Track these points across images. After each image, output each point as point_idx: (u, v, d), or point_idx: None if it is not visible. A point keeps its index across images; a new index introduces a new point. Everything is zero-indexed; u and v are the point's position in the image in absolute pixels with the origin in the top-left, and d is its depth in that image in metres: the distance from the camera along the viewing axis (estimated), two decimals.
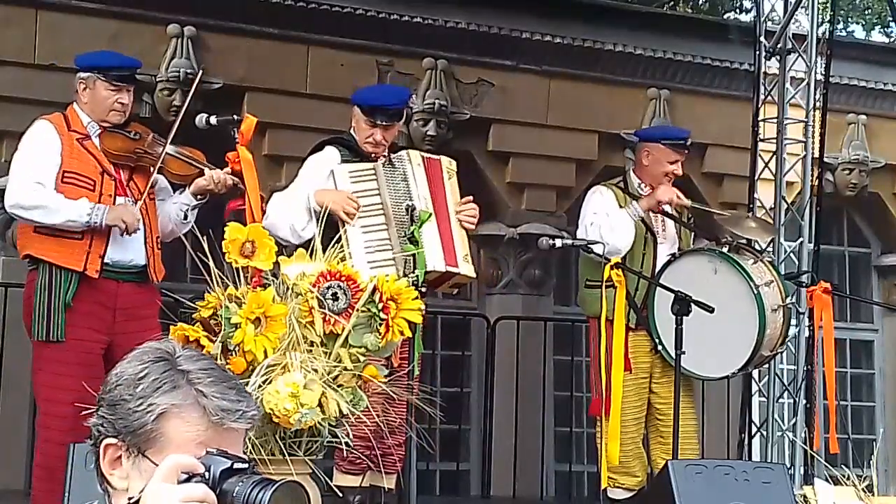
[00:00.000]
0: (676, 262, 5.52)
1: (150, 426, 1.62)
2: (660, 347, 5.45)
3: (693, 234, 5.78)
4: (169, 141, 4.64)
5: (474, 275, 4.99)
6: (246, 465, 1.62)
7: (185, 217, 4.75)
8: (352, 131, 5.03)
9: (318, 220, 4.47)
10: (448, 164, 4.97)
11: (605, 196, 5.61)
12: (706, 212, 6.02)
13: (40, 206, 4.44)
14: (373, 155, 4.95)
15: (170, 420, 1.62)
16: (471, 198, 4.99)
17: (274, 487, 1.56)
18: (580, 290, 5.70)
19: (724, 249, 5.54)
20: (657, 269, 5.53)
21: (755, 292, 5.33)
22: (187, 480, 1.57)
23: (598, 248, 5.30)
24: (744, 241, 5.68)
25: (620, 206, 5.53)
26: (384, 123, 4.91)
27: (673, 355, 5.26)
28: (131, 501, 1.59)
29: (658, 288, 5.37)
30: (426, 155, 4.97)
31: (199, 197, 4.72)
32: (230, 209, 4.53)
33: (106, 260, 4.51)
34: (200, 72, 5.04)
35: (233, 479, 1.59)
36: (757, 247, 6.09)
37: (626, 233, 5.45)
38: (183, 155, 4.69)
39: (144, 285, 4.63)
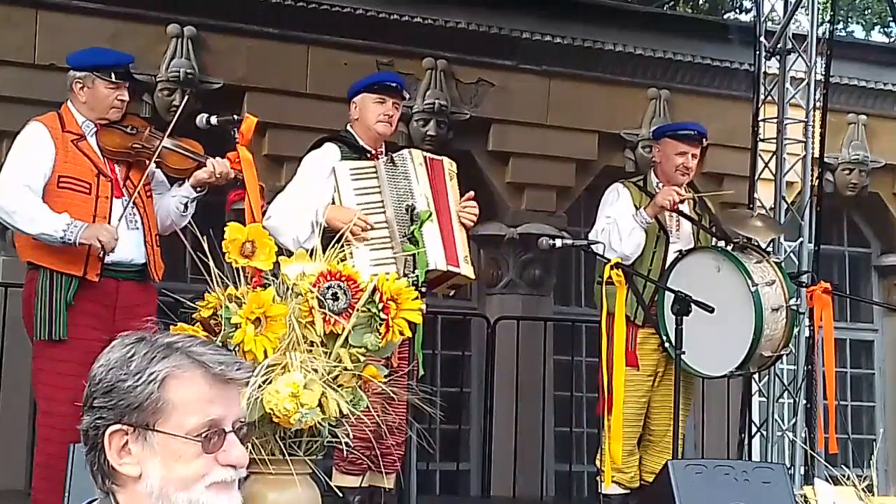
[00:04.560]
0: (683, 259, 5.53)
1: (156, 394, 1.62)
2: (667, 345, 5.45)
3: (711, 236, 5.76)
4: (166, 135, 4.62)
5: (474, 276, 4.99)
6: None
7: (185, 209, 4.72)
8: (350, 128, 5.03)
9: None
10: (450, 166, 4.98)
11: (621, 196, 5.64)
12: (709, 197, 6.05)
13: (20, 212, 4.40)
14: (374, 151, 4.97)
15: (172, 385, 1.63)
16: (472, 193, 5.00)
17: None
18: (595, 288, 5.71)
19: (729, 248, 5.55)
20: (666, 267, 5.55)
21: (752, 291, 5.33)
22: None
23: (598, 248, 5.33)
24: (750, 240, 5.69)
25: (636, 206, 5.55)
26: (393, 95, 4.96)
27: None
28: None
29: (666, 286, 5.38)
30: (428, 155, 4.97)
31: (198, 189, 4.70)
32: (231, 200, 4.53)
33: (106, 261, 4.48)
34: (187, 97, 4.98)
35: None
36: (767, 247, 6.10)
37: (632, 242, 5.47)
38: (181, 148, 4.66)
39: (144, 283, 4.61)
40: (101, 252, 4.38)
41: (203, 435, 1.63)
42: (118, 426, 1.63)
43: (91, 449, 1.67)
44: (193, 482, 1.63)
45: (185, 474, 1.62)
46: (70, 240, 4.35)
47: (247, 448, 1.70)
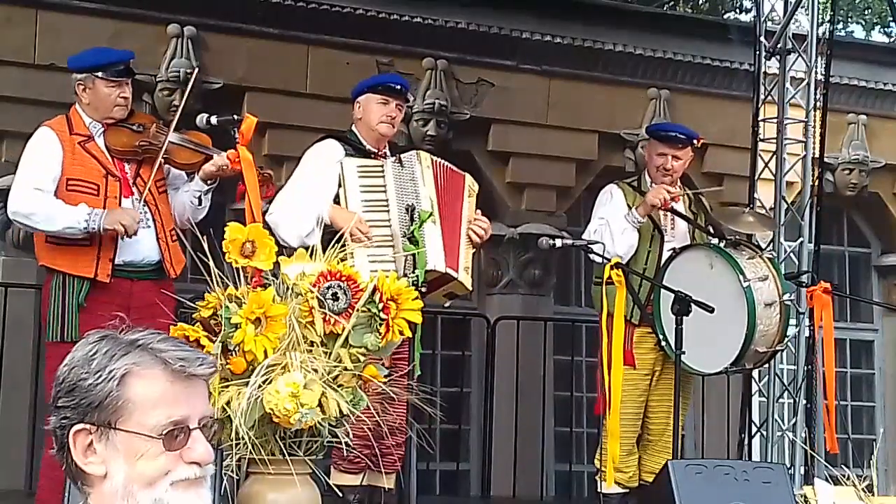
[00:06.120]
0: (677, 258, 5.54)
1: (115, 392, 1.61)
2: (663, 343, 5.45)
3: (707, 234, 5.76)
4: (171, 130, 4.62)
5: (470, 287, 5.00)
6: None
7: (200, 203, 4.73)
8: (353, 128, 5.04)
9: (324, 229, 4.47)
10: (471, 183, 5.01)
11: (614, 197, 5.65)
12: (706, 195, 6.07)
13: (37, 213, 4.44)
14: (378, 151, 4.98)
15: (132, 383, 1.62)
16: (479, 212, 5.01)
17: None
18: (592, 288, 5.72)
19: (722, 244, 5.55)
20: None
21: (744, 287, 5.33)
22: None
23: (597, 248, 5.33)
24: (743, 237, 5.70)
25: (629, 207, 5.56)
26: (396, 97, 4.98)
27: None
28: None
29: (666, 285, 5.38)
30: (449, 166, 4.97)
31: (209, 182, 4.70)
32: (241, 191, 4.53)
33: (118, 262, 4.50)
34: (196, 70, 5.04)
35: None
36: (761, 244, 6.10)
37: (625, 242, 5.48)
38: (188, 142, 4.67)
39: (160, 282, 4.58)
40: (125, 236, 4.41)
41: (165, 432, 1.61)
42: (81, 425, 1.63)
43: (60, 449, 1.66)
44: (157, 480, 1.61)
45: (147, 472, 1.61)
46: (94, 228, 4.40)
47: (215, 445, 1.67)
